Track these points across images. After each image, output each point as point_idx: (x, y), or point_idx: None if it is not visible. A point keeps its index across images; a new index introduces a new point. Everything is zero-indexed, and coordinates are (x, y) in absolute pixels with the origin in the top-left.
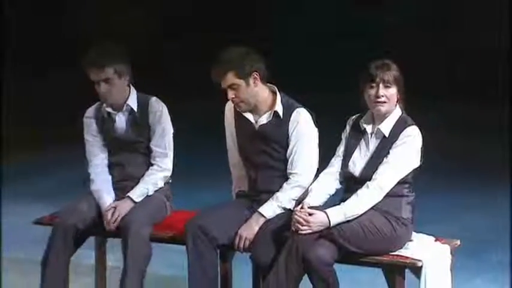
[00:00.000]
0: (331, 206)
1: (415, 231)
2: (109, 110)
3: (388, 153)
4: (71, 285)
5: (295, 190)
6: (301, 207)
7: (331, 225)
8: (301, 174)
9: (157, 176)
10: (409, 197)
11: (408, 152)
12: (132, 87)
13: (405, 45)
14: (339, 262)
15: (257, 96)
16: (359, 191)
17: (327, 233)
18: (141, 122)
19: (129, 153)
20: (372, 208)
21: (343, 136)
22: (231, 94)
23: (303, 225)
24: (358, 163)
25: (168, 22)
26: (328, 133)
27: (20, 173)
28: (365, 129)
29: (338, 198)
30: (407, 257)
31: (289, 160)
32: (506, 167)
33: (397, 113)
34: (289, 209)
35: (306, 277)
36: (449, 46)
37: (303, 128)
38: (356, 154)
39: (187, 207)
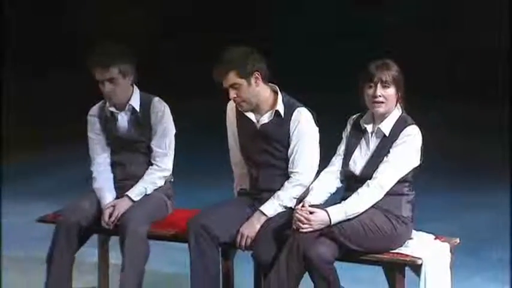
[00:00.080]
0: (332, 205)
1: (415, 229)
2: (112, 109)
3: (389, 152)
4: (74, 282)
5: (296, 189)
6: (302, 206)
7: (332, 223)
8: (302, 173)
9: (156, 175)
10: (409, 196)
11: (408, 151)
12: (135, 87)
13: (405, 45)
14: (339, 260)
15: (259, 96)
16: (360, 190)
17: (328, 231)
18: (143, 121)
19: (131, 153)
20: (372, 206)
21: (344, 135)
22: (232, 93)
23: (304, 224)
24: (358, 162)
25: (168, 22)
26: (328, 132)
27: (20, 173)
28: (365, 128)
29: (339, 196)
30: (407, 255)
31: (291, 159)
32: (506, 166)
33: (397, 112)
34: (291, 208)
35: (306, 275)
36: (449, 46)
37: (304, 127)
38: (357, 153)
39: (189, 205)
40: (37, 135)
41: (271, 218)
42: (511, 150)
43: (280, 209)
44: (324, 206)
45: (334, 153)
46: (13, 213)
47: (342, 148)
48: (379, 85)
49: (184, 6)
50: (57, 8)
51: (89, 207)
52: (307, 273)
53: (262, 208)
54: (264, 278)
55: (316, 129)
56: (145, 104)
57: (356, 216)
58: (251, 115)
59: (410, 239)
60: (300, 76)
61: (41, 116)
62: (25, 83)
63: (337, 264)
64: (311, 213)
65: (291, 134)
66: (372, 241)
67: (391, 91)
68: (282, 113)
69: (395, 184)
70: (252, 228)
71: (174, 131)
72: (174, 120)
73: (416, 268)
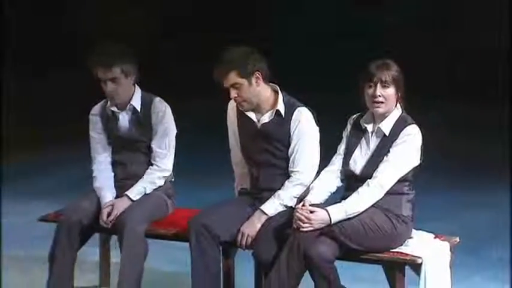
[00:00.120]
0: (332, 204)
1: (415, 228)
2: (113, 109)
3: (389, 151)
4: (76, 281)
5: (296, 188)
6: (303, 205)
7: (332, 222)
8: (303, 172)
9: (155, 175)
10: (409, 195)
11: (408, 151)
12: (137, 87)
13: (405, 45)
14: (340, 259)
15: (259, 96)
16: (360, 189)
17: (328, 231)
18: (144, 121)
19: (132, 152)
20: (372, 206)
21: (344, 135)
22: (233, 93)
23: (304, 223)
24: (359, 161)
25: (168, 22)
26: (328, 132)
27: (20, 173)
28: (366, 128)
29: (339, 196)
30: (407, 254)
31: (291, 158)
32: (506, 166)
33: (397, 112)
34: (291, 207)
35: (307, 274)
36: (449, 46)
37: (305, 127)
38: (357, 152)
39: (190, 205)
40: (37, 135)
41: (272, 217)
42: (511, 149)
43: (281, 208)
44: (324, 205)
45: (335, 152)
46: (13, 212)
47: (342, 147)
48: (379, 85)
49: (184, 6)
50: (57, 8)
51: (89, 206)
52: (307, 272)
53: (262, 207)
54: (265, 276)
55: (317, 128)
56: (147, 104)
57: (356, 216)
58: (252, 115)
59: (411, 238)
60: (299, 76)
61: (41, 116)
62: (25, 83)
63: (337, 263)
64: (311, 212)
65: (291, 133)
66: (372, 240)
67: (391, 91)
68: (283, 112)
69: (396, 183)
70: (252, 227)
71: (175, 131)
72: (175, 120)
73: (416, 267)
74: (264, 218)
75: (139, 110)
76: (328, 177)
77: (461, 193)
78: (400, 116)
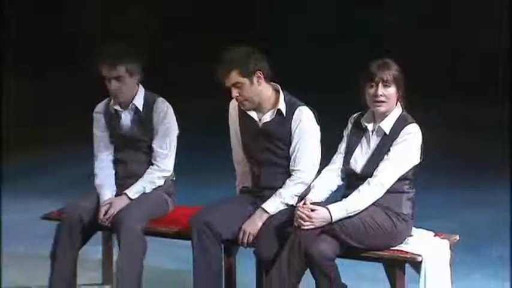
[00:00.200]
0: (333, 202)
1: (415, 226)
2: (116, 107)
3: (389, 150)
4: (79, 279)
5: (297, 186)
6: (304, 203)
7: (333, 220)
8: (304, 170)
9: (155, 175)
10: (410, 193)
11: (408, 149)
12: (141, 87)
13: (405, 45)
14: (340, 257)
15: (261, 95)
16: (360, 187)
17: (329, 229)
18: (145, 121)
19: (133, 151)
20: (373, 204)
21: (345, 133)
22: (235, 92)
23: (305, 221)
24: (359, 160)
25: (168, 22)
26: (329, 131)
27: (20, 173)
28: (366, 127)
29: (340, 194)
30: (407, 252)
31: (292, 157)
32: (506, 164)
33: (397, 111)
34: (292, 205)
35: (308, 272)
36: (449, 46)
37: (306, 126)
38: (357, 151)
39: (191, 203)
40: (37, 135)
41: (273, 215)
42: (510, 148)
43: (282, 207)
44: (325, 203)
45: (335, 151)
46: (13, 211)
47: (343, 146)
48: (380, 84)
49: (184, 6)
50: (57, 8)
51: (90, 204)
52: (308, 270)
53: (264, 205)
54: (266, 274)
55: (318, 127)
56: (149, 104)
57: (357, 214)
58: (253, 114)
59: (411, 236)
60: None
61: (41, 116)
62: (25, 83)
63: (338, 261)
64: (312, 210)
65: (292, 132)
66: (373, 238)
67: (392, 90)
68: (284, 111)
69: (396, 182)
70: (254, 225)
71: (176, 132)
72: (176, 120)
73: (417, 265)
74: (265, 216)
75: (141, 109)
76: (329, 176)
77: (461, 191)
78: (400, 115)
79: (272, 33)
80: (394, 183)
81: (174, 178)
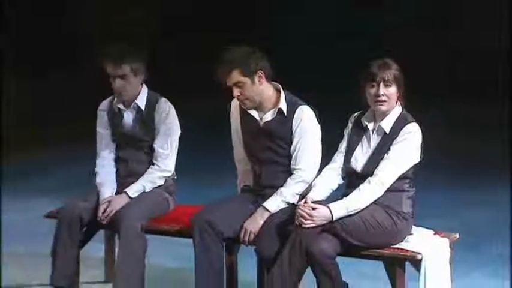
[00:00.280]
0: (333, 201)
1: (415, 225)
2: (120, 106)
3: (389, 149)
4: (81, 277)
5: (298, 185)
6: (305, 202)
7: (334, 219)
8: (305, 169)
9: (156, 175)
10: (410, 192)
11: (408, 148)
12: (144, 86)
13: (405, 45)
14: (341, 255)
15: (262, 94)
16: (361, 186)
17: (330, 227)
18: (147, 121)
19: (135, 150)
20: (373, 202)
21: (345, 133)
22: (236, 92)
23: (306, 220)
24: (360, 159)
25: (168, 22)
26: (329, 131)
27: (20, 173)
28: (366, 126)
29: (340, 193)
30: (407, 250)
31: (293, 156)
32: (506, 164)
33: (397, 110)
34: (293, 204)
35: (309, 270)
36: (449, 46)
37: (307, 125)
38: (358, 150)
39: (192, 202)
40: (37, 135)
41: (274, 213)
42: (510, 148)
43: (283, 205)
44: (325, 202)
45: (336, 150)
46: (13, 210)
47: (343, 145)
48: (381, 84)
49: (184, 6)
50: (57, 8)
51: (90, 203)
52: (309, 268)
53: (265, 204)
54: (267, 272)
55: (318, 126)
56: (152, 104)
57: (357, 212)
58: (254, 113)
59: (411, 234)
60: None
61: (41, 116)
62: (25, 83)
63: (338, 259)
64: (313, 209)
65: (293, 131)
66: (373, 236)
67: (392, 90)
68: (285, 111)
69: (396, 181)
70: (255, 223)
71: (178, 133)
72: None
73: (417, 263)
74: (266, 215)
75: (143, 109)
76: (330, 175)
77: (461, 191)
78: (400, 114)
79: (272, 33)
80: (394, 182)
81: (176, 177)
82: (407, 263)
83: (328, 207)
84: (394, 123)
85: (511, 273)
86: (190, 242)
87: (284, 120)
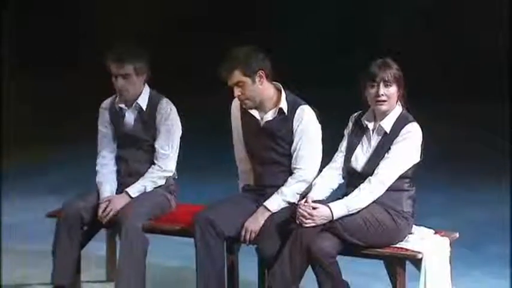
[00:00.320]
0: (334, 200)
1: (416, 224)
2: (121, 105)
3: (389, 149)
4: (83, 276)
5: (299, 184)
6: (305, 201)
7: (334, 218)
8: (305, 169)
9: (156, 175)
10: (410, 191)
11: (409, 148)
12: (146, 87)
13: (405, 45)
14: (341, 254)
15: (263, 94)
16: (361, 186)
17: (330, 226)
18: (148, 121)
19: (135, 150)
20: (373, 202)
21: (346, 132)
22: (237, 91)
23: (307, 219)
24: (360, 158)
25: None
26: (330, 130)
27: (20, 173)
28: (367, 125)
29: (341, 192)
30: (407, 249)
31: (294, 155)
32: (506, 164)
33: (398, 110)
34: (294, 203)
35: (309, 268)
36: (449, 46)
37: (307, 125)
38: (358, 150)
39: (193, 201)
40: (37, 135)
41: (275, 213)
42: (510, 147)
43: (284, 205)
44: (326, 201)
45: (336, 150)
46: (13, 209)
47: (343, 145)
48: (381, 84)
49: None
50: (57, 8)
51: (90, 202)
52: (310, 267)
53: (266, 203)
54: (268, 271)
55: (319, 126)
56: (153, 104)
57: (358, 212)
58: (255, 113)
59: (411, 233)
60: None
61: (41, 116)
62: (25, 82)
63: (339, 258)
64: (314, 208)
65: (294, 131)
66: (373, 236)
67: (392, 89)
68: (286, 110)
69: (396, 180)
70: (256, 223)
71: (179, 133)
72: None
73: (417, 262)
74: (267, 214)
75: (144, 109)
76: (330, 174)
77: (462, 190)
78: (400, 113)
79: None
80: (394, 182)
81: (177, 176)
82: (407, 262)
83: (329, 207)
84: (395, 123)
85: (511, 272)
86: (191, 241)
87: (285, 119)
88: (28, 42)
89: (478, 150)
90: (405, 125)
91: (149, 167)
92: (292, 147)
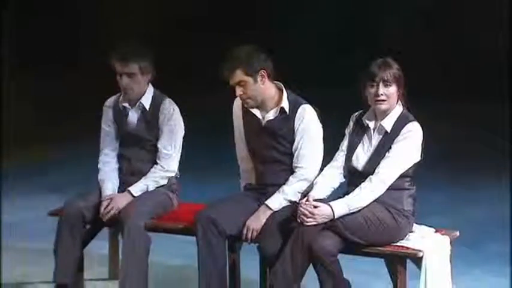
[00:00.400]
0: (335, 199)
1: (416, 222)
2: (125, 104)
3: (390, 148)
4: (85, 274)
5: (300, 183)
6: (307, 200)
7: (335, 217)
8: (307, 168)
9: (159, 175)
10: (410, 190)
11: (409, 147)
12: (150, 86)
13: (405, 45)
14: (342, 253)
15: (264, 93)
16: (362, 185)
17: (331, 225)
18: (151, 121)
19: (138, 149)
20: (374, 201)
21: (347, 132)
22: (239, 91)
23: (308, 217)
24: (361, 158)
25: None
26: (331, 129)
27: (20, 172)
28: (367, 125)
29: (342, 191)
30: (408, 248)
31: (295, 154)
32: (506, 163)
33: (398, 109)
34: (295, 202)
35: (311, 267)
36: (449, 46)
37: (308, 124)
38: (359, 149)
39: (196, 200)
40: (37, 135)
41: (277, 211)
42: (510, 147)
43: (285, 203)
44: (327, 200)
45: (337, 149)
46: (13, 208)
47: (344, 144)
48: (381, 84)
49: (184, 6)
50: (57, 8)
51: (91, 201)
52: (311, 265)
53: (267, 202)
54: (270, 270)
55: (320, 125)
56: (156, 104)
57: (359, 210)
58: (257, 112)
59: (412, 232)
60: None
61: (41, 115)
62: (25, 82)
63: (340, 256)
64: (315, 207)
65: (295, 130)
66: (374, 234)
67: (392, 89)
68: (287, 109)
69: (397, 179)
70: (257, 221)
71: (182, 133)
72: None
73: (418, 260)
74: (268, 213)
75: (147, 108)
76: (331, 173)
77: (461, 189)
78: (401, 113)
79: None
80: (395, 180)
81: (179, 175)
82: (408, 260)
83: (330, 206)
84: (395, 122)
85: (511, 271)
86: (193, 240)
87: (286, 119)
88: (28, 42)
89: (478, 150)
90: (406, 124)
91: (152, 167)
92: (294, 146)
